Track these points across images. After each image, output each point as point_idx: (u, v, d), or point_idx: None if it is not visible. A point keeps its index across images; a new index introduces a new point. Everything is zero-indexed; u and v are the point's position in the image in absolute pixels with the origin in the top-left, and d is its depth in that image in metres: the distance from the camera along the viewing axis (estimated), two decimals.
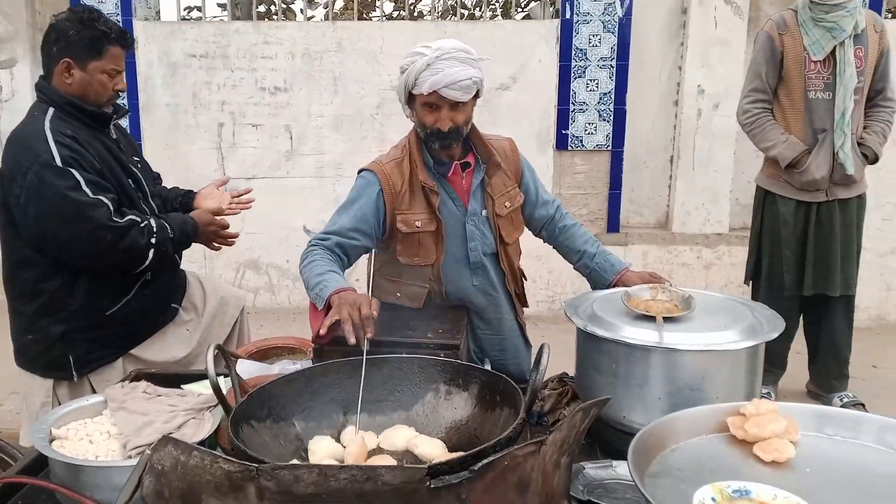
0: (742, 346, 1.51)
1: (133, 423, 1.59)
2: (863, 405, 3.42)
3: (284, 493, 0.96)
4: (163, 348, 2.29)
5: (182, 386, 1.85)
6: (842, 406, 3.37)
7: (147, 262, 2.08)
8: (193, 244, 2.24)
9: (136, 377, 1.95)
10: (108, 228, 1.98)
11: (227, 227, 2.27)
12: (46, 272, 2.08)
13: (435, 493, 0.95)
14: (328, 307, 1.66)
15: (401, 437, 1.38)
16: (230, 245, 2.31)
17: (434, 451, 1.33)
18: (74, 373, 2.15)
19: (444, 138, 1.92)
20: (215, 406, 1.63)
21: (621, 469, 1.50)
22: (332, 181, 4.86)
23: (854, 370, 3.58)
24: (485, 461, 0.97)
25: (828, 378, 3.54)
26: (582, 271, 2.18)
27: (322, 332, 1.61)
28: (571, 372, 1.84)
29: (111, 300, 2.13)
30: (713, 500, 1.06)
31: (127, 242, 2.02)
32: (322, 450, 1.33)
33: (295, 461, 1.32)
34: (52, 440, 1.55)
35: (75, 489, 1.42)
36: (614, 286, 2.05)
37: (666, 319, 1.59)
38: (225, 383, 1.59)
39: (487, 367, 1.77)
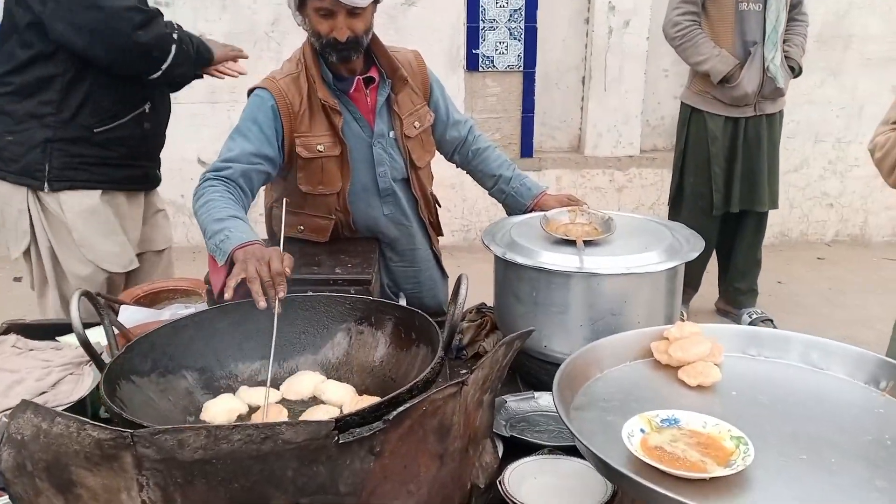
0: (664, 266, 1.48)
1: (1, 381, 1.41)
2: (771, 321, 3.58)
3: (167, 461, 0.84)
4: (132, 211, 2.35)
5: (57, 338, 1.67)
6: (751, 323, 3.52)
7: (168, 60, 2.10)
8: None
9: (6, 330, 1.75)
10: (137, 10, 2.03)
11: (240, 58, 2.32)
12: (52, 71, 2.09)
13: (345, 448, 0.86)
14: (231, 264, 1.44)
15: (307, 383, 1.28)
16: (234, 76, 2.34)
17: (344, 396, 1.24)
18: (46, 184, 2.17)
19: (342, 49, 1.74)
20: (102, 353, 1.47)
21: (543, 400, 1.46)
22: (226, 107, 4.54)
23: (760, 286, 3.74)
24: (400, 409, 0.88)
25: (737, 295, 3.68)
26: (497, 197, 2.10)
27: (227, 294, 1.36)
28: (490, 302, 1.78)
29: (102, 119, 2.16)
30: (642, 431, 1.02)
31: (154, 29, 2.06)
32: (218, 411, 1.21)
33: (190, 422, 1.20)
34: None
35: None
36: (531, 211, 1.98)
37: (586, 243, 1.54)
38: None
39: (402, 301, 1.68)
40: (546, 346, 1.50)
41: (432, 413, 0.96)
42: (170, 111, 2.40)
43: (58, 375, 1.46)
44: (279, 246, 1.44)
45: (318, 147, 1.81)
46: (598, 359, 1.23)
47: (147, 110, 2.25)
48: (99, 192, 2.23)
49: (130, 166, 2.29)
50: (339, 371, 1.34)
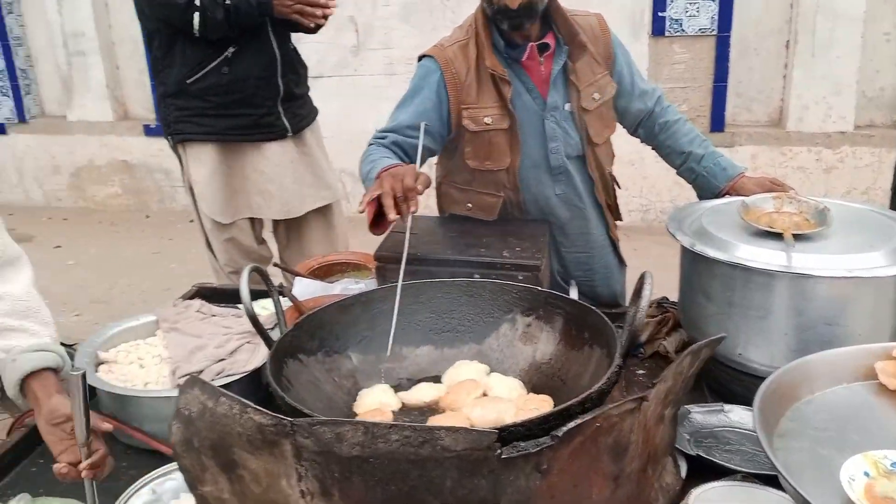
0: (893, 271, 1.25)
1: (184, 346, 1.50)
2: None
3: (325, 454, 0.81)
4: (256, 161, 2.43)
5: (238, 306, 1.74)
6: None
7: (195, 24, 2.21)
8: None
9: (195, 294, 1.87)
10: None
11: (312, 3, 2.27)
12: (153, 36, 2.37)
13: (509, 463, 0.78)
14: None
15: (470, 374, 1.22)
16: (320, 20, 2.30)
17: (512, 392, 1.16)
18: (168, 137, 2.46)
19: (514, 17, 1.63)
20: (274, 327, 1.51)
21: (735, 415, 1.30)
22: (403, 78, 4.60)
23: None
24: (571, 425, 0.79)
25: None
26: (686, 177, 1.90)
27: (360, 208, 1.43)
28: (673, 295, 1.62)
29: (192, 69, 2.31)
30: (867, 475, 0.85)
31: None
32: (368, 403, 1.18)
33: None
34: (99, 364, 1.48)
35: (122, 419, 1.35)
36: (726, 195, 1.77)
37: (796, 237, 1.34)
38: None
39: (573, 290, 1.57)
40: (741, 353, 1.32)
41: (607, 430, 0.86)
42: (274, 56, 2.38)
43: (236, 343, 1.52)
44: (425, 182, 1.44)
45: (486, 119, 1.73)
46: (809, 377, 1.06)
47: (230, 55, 2.30)
48: (208, 144, 2.38)
49: (232, 116, 2.36)
50: (503, 364, 1.26)
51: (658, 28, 4.39)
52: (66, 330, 3.02)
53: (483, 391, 1.17)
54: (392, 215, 1.37)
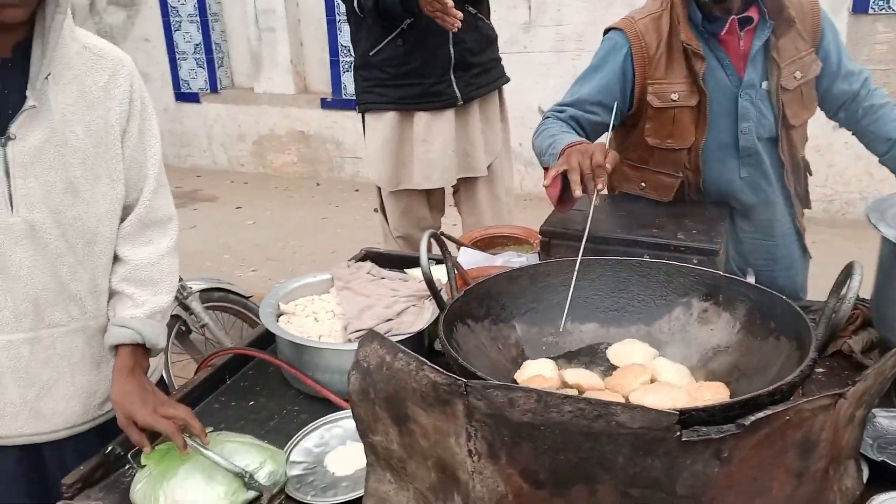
0: None
1: (356, 304, 1.58)
2: None
3: (496, 417, 0.82)
4: (424, 131, 2.53)
5: (405, 270, 1.81)
6: None
7: (355, 5, 2.39)
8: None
9: (364, 256, 1.96)
10: None
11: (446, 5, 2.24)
12: (349, 16, 2.55)
13: (687, 446, 0.75)
14: None
15: (637, 355, 1.18)
16: (453, 28, 2.30)
17: (681, 379, 1.12)
18: (357, 105, 2.63)
19: None
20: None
21: None
22: (571, 56, 4.53)
23: None
24: (760, 415, 0.74)
25: None
26: (891, 166, 1.73)
27: (545, 182, 1.42)
28: (862, 291, 1.48)
29: (374, 42, 2.48)
30: None
31: None
32: (529, 373, 1.17)
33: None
34: (279, 315, 1.60)
35: (297, 367, 1.45)
36: None
37: None
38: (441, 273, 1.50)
39: (751, 278, 1.48)
40: None
41: (797, 424, 0.80)
42: (443, 29, 2.37)
43: (402, 305, 1.58)
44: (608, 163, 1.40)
45: (672, 96, 1.66)
46: None
47: (405, 27, 2.41)
48: (386, 112, 2.52)
49: (406, 85, 2.48)
50: (671, 348, 1.21)
51: (860, 5, 3.98)
52: (244, 282, 3.31)
53: (651, 377, 1.13)
54: (578, 192, 1.36)
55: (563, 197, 1.44)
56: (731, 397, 1.03)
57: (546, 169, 1.53)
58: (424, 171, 2.55)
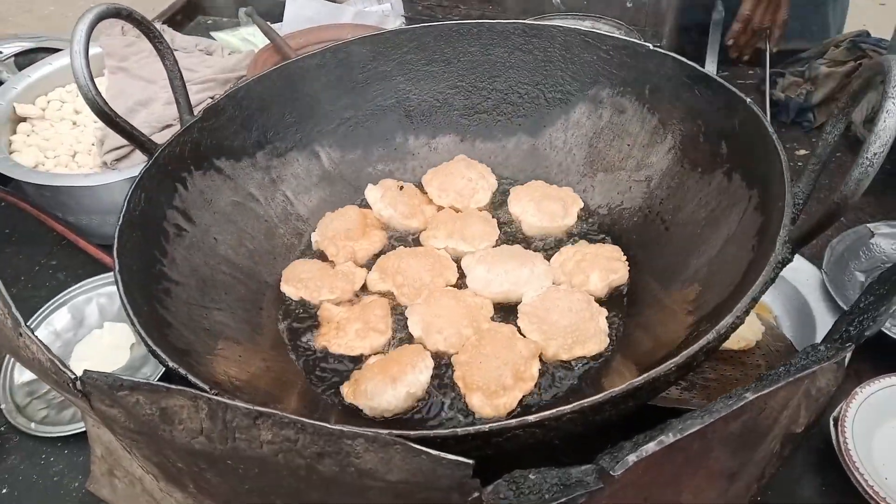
0: None
1: (127, 97, 1.10)
2: None
3: (149, 437, 0.43)
4: None
5: (213, 34, 1.28)
6: None
7: None
8: None
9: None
10: None
11: None
12: None
13: None
14: None
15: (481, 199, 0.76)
16: None
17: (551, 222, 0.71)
18: None
19: None
20: (243, 77, 1.07)
21: None
22: None
23: None
24: (649, 448, 0.35)
25: None
26: None
27: None
28: (876, 29, 1.03)
29: None
30: None
31: None
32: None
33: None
34: (18, 121, 1.11)
35: (46, 206, 1.01)
36: None
37: None
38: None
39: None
40: None
41: (726, 425, 0.41)
42: None
43: (197, 97, 1.09)
44: None
45: None
46: None
47: None
48: None
49: None
50: (563, 181, 0.78)
51: None
52: None
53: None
54: None
55: None
56: (630, 276, 0.63)
57: None
58: None
